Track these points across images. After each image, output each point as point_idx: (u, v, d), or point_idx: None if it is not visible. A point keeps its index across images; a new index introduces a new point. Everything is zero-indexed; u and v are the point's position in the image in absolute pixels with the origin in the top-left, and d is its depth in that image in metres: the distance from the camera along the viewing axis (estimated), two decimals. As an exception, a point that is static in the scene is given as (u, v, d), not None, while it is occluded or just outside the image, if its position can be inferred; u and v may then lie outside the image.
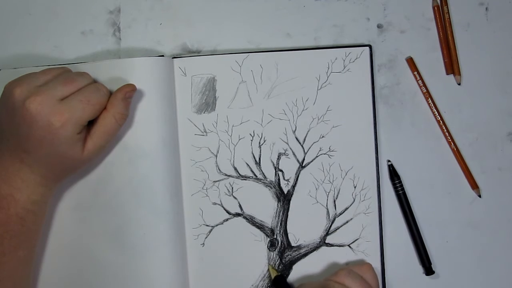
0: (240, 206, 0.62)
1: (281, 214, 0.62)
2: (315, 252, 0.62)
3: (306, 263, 0.62)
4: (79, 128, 0.53)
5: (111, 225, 0.60)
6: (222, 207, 0.62)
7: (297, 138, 0.63)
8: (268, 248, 0.62)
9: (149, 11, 0.65)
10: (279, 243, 0.62)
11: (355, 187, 0.62)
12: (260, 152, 0.63)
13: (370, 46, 0.63)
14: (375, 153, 0.62)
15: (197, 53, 0.65)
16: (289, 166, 0.62)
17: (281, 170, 0.62)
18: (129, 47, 0.65)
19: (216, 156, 0.63)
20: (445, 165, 0.63)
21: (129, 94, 0.57)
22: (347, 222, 0.62)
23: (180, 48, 0.65)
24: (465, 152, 0.63)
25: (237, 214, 0.62)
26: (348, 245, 0.62)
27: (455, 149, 0.62)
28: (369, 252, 0.62)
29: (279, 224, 0.62)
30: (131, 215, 0.60)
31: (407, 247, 0.62)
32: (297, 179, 0.62)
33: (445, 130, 0.63)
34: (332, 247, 0.62)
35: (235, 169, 0.63)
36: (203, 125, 0.63)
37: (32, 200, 0.54)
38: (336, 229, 0.62)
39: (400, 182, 0.62)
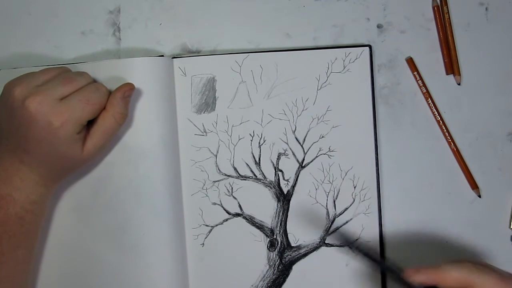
0: (240, 206, 0.62)
1: (280, 214, 0.62)
2: (315, 252, 0.62)
3: (306, 263, 0.62)
4: (78, 128, 0.53)
5: (111, 225, 0.60)
6: (222, 207, 0.62)
7: (297, 138, 0.62)
8: (268, 248, 0.62)
9: (149, 11, 0.65)
10: (279, 243, 0.62)
11: (355, 187, 0.62)
12: (260, 152, 0.63)
13: (370, 46, 0.63)
14: (375, 153, 0.62)
15: (197, 53, 0.65)
16: (289, 166, 0.62)
17: (281, 170, 0.62)
18: (129, 47, 0.65)
19: (216, 156, 0.63)
20: (445, 165, 0.63)
21: (127, 93, 0.57)
22: (347, 222, 0.62)
23: (180, 48, 0.65)
24: (465, 152, 0.63)
25: (237, 214, 0.62)
26: (348, 245, 0.62)
27: (455, 149, 0.62)
28: (369, 252, 0.62)
29: (278, 224, 0.62)
30: (131, 215, 0.60)
31: (407, 247, 0.62)
32: (297, 179, 0.62)
33: (445, 130, 0.63)
34: (332, 247, 0.62)
35: (235, 169, 0.63)
36: (203, 125, 0.63)
37: (31, 200, 0.54)
38: (336, 229, 0.62)
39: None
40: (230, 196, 0.63)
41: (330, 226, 0.62)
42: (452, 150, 0.63)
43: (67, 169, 0.57)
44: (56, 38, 0.65)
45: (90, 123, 0.56)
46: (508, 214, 0.62)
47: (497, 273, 0.49)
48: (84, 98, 0.54)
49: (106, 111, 0.56)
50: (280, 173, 0.62)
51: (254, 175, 0.63)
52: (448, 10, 0.63)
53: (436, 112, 0.63)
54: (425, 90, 0.63)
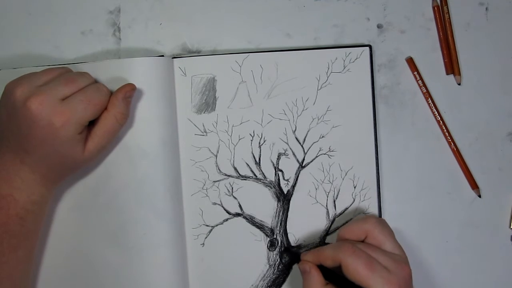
0: (240, 206, 0.62)
1: (281, 214, 0.62)
2: (315, 252, 0.62)
3: (306, 263, 0.62)
4: (80, 128, 0.53)
5: (111, 225, 0.60)
6: (222, 207, 0.62)
7: (297, 138, 0.63)
8: (268, 248, 0.62)
9: (149, 11, 0.65)
10: (279, 243, 0.62)
11: (355, 187, 0.62)
12: (260, 152, 0.63)
13: (370, 46, 0.63)
14: (375, 153, 0.62)
15: (197, 53, 0.65)
16: (289, 166, 0.62)
17: (281, 170, 0.62)
18: (129, 47, 0.65)
19: (216, 156, 0.63)
20: (445, 165, 0.63)
21: (129, 93, 0.57)
22: (347, 222, 0.62)
23: (180, 48, 0.65)
24: (465, 152, 0.63)
25: (237, 214, 0.62)
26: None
27: (455, 149, 0.63)
28: (369, 252, 0.62)
29: (279, 224, 0.62)
30: (131, 215, 0.60)
31: (407, 247, 0.62)
32: (297, 179, 0.62)
33: (445, 130, 0.63)
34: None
35: (235, 169, 0.63)
36: (203, 125, 0.63)
37: (32, 200, 0.54)
38: (336, 229, 0.62)
39: None
40: (230, 196, 0.63)
41: (330, 226, 0.62)
42: (452, 150, 0.63)
43: (68, 170, 0.57)
44: (56, 38, 0.65)
45: (92, 124, 0.56)
46: (508, 214, 0.62)
47: (364, 253, 0.52)
48: (85, 98, 0.54)
49: (107, 111, 0.56)
50: (280, 173, 0.63)
51: (254, 175, 0.63)
52: (448, 10, 0.63)
53: (436, 112, 0.63)
54: (425, 90, 0.63)
